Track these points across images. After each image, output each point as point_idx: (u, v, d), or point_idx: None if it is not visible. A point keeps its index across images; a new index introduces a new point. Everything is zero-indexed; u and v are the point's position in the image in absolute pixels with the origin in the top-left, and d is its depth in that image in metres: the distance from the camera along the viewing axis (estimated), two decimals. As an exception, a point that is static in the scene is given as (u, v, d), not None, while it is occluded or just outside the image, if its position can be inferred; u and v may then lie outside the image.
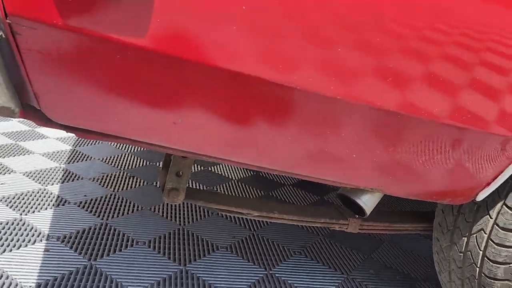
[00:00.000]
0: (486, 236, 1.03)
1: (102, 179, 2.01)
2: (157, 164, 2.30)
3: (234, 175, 2.30)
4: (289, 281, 1.45)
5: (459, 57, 0.75)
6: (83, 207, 1.71)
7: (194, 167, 2.32)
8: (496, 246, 1.01)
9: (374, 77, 0.72)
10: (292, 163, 0.85)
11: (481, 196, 0.96)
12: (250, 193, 2.10)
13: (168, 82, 0.67)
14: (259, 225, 1.80)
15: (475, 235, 1.06)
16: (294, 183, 2.31)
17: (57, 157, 2.19)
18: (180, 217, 1.76)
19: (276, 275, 1.47)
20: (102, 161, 2.23)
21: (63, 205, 1.70)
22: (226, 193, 2.05)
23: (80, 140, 2.50)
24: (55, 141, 2.43)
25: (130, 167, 2.21)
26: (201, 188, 2.07)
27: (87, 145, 2.44)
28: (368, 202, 0.97)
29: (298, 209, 1.24)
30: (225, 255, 1.54)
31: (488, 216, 1.03)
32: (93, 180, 1.98)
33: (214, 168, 2.35)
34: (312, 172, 0.88)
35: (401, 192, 0.95)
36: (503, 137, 0.85)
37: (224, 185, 2.15)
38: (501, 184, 1.00)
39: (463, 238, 1.09)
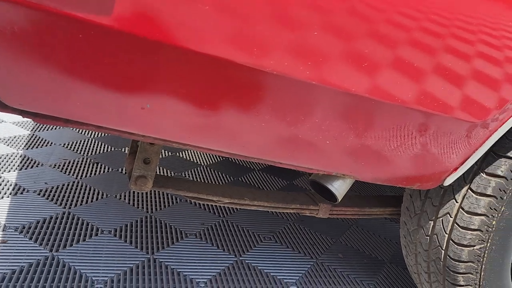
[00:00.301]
0: (451, 219, 1.06)
1: (63, 165, 1.93)
2: (122, 150, 2.23)
3: (202, 160, 2.26)
4: (259, 267, 1.45)
5: (427, 43, 0.74)
6: (43, 195, 1.64)
7: (161, 152, 2.27)
8: (461, 229, 1.04)
9: (345, 62, 0.71)
10: (265, 149, 0.83)
11: (448, 181, 0.98)
12: (219, 178, 2.08)
13: (134, 64, 0.63)
14: (228, 211, 1.79)
15: (441, 218, 1.08)
16: (263, 168, 2.31)
17: (15, 143, 2.08)
18: (147, 205, 1.71)
19: (246, 261, 1.47)
20: (63, 146, 2.14)
21: (21, 193, 1.61)
22: (195, 179, 2.02)
23: (40, 125, 2.39)
24: (12, 125, 2.30)
25: (93, 153, 2.13)
26: (169, 174, 2.03)
27: (47, 130, 2.33)
28: (339, 188, 0.97)
29: (269, 195, 1.23)
30: (194, 243, 1.52)
31: (454, 200, 1.05)
32: (53, 167, 1.89)
33: (182, 154, 2.31)
34: (284, 159, 0.87)
35: (372, 178, 0.95)
36: (470, 123, 0.86)
37: (192, 170, 2.11)
38: (467, 169, 1.02)
39: (430, 221, 1.11)
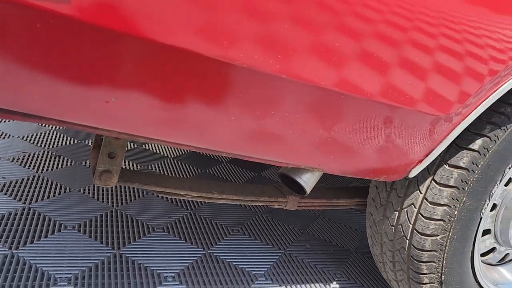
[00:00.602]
0: (416, 210, 1.08)
1: (23, 159, 1.85)
2: (86, 142, 2.16)
3: (169, 152, 2.23)
4: (227, 260, 1.44)
5: (392, 36, 0.75)
6: (1, 190, 1.56)
7: (128, 144, 2.21)
8: (424, 220, 1.07)
9: (313, 56, 0.71)
10: (233, 144, 0.82)
11: (413, 173, 1.00)
12: (187, 171, 2.05)
13: (97, 56, 0.61)
14: (196, 204, 1.77)
15: (406, 209, 1.11)
16: (231, 160, 2.30)
17: (-31, 136, 1.97)
18: (112, 199, 1.67)
19: (215, 254, 1.46)
20: (22, 139, 2.05)
21: (-23, 189, 1.54)
22: (162, 172, 1.98)
23: (-4, 116, 2.27)
24: (-35, 117, 2.18)
25: (55, 145, 2.05)
26: (135, 167, 1.98)
27: (4, 121, 2.22)
28: (308, 181, 0.97)
29: (238, 188, 1.22)
30: (161, 236, 1.49)
31: (418, 191, 1.08)
32: (12, 161, 1.81)
33: (148, 146, 2.26)
34: (253, 153, 0.86)
35: (340, 170, 0.96)
36: (434, 117, 0.88)
37: (159, 163, 2.07)
38: (431, 161, 1.05)
39: (395, 212, 1.14)
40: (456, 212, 1.05)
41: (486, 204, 1.08)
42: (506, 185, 1.19)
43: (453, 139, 0.95)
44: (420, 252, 1.09)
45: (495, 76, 0.88)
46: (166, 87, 0.67)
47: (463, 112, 0.90)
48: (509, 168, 1.08)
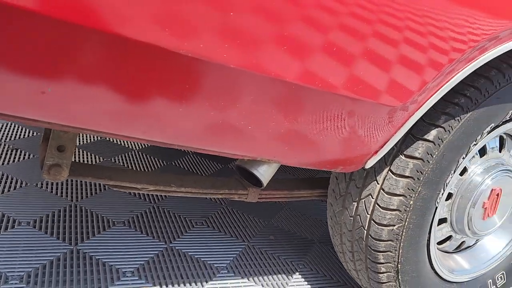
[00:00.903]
0: (373, 200, 1.09)
1: (-24, 153, 1.77)
2: (45, 135, 2.09)
3: (133, 145, 2.18)
4: (189, 253, 1.42)
5: (348, 26, 0.74)
6: (-48, 186, 1.50)
7: (90, 137, 2.15)
8: (381, 210, 1.08)
9: (269, 47, 0.69)
10: (185, 136, 0.80)
11: (370, 164, 1.01)
12: (152, 164, 2.01)
13: (32, 44, 0.57)
14: (160, 197, 1.74)
15: (363, 200, 1.12)
16: (197, 152, 2.27)
17: None
18: (72, 193, 1.62)
19: (176, 247, 1.44)
20: (-24, 132, 1.96)
21: None
22: (126, 164, 1.94)
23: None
24: None
25: (10, 138, 1.97)
26: (98, 160, 1.93)
27: (-43, 114, 2.12)
28: (265, 173, 0.97)
29: (197, 180, 1.20)
30: (122, 231, 1.46)
31: (375, 181, 1.09)
32: (-35, 155, 1.73)
33: (112, 138, 2.20)
34: (207, 145, 0.84)
35: (296, 162, 0.95)
36: (389, 107, 0.88)
37: (123, 155, 2.03)
38: (387, 152, 1.06)
39: (354, 203, 1.14)
40: (411, 202, 1.06)
41: (441, 194, 1.10)
42: (461, 174, 1.22)
43: (407, 129, 0.96)
44: (377, 242, 1.10)
45: (450, 64, 0.89)
46: (107, 77, 0.64)
47: (418, 100, 0.91)
48: (463, 158, 1.10)
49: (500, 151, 1.29)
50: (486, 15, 0.89)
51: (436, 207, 1.13)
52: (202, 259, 1.41)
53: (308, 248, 1.62)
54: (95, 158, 1.94)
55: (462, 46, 0.87)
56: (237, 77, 0.71)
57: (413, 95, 0.87)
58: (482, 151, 1.25)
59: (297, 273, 1.45)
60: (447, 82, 0.92)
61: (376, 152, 0.99)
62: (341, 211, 1.20)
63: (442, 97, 1.03)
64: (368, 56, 0.79)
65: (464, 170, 1.22)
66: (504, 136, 1.30)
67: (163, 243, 1.45)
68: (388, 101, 0.85)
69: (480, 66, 0.98)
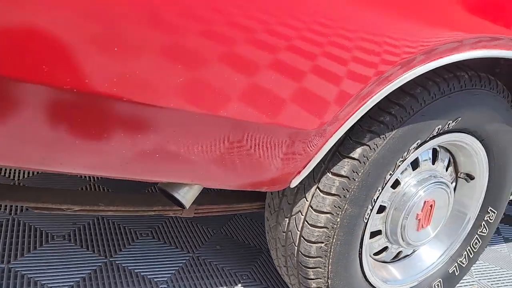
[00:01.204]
0: (302, 217, 1.10)
1: None
2: None
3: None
4: (129, 267, 1.41)
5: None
6: None
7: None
8: (310, 227, 1.08)
9: (166, 77, 0.68)
10: (94, 165, 0.78)
11: (294, 183, 1.00)
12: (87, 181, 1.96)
13: None
14: (106, 207, 1.70)
15: (294, 216, 1.12)
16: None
17: None
18: (11, 205, 1.57)
19: (117, 262, 1.42)
20: None
21: None
22: (55, 185, 1.83)
23: None
24: None
25: None
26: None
27: None
28: (186, 195, 0.95)
29: (129, 198, 1.18)
30: (60, 246, 1.43)
31: (304, 198, 1.09)
32: None
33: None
34: (117, 174, 0.82)
35: (217, 185, 0.95)
36: (304, 131, 0.87)
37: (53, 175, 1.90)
38: (315, 170, 1.06)
39: (286, 219, 1.14)
40: (338, 219, 1.07)
41: (369, 210, 1.11)
42: (394, 187, 1.23)
43: (327, 150, 0.96)
44: (307, 258, 1.11)
45: (365, 85, 0.88)
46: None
47: (334, 123, 0.91)
48: (390, 175, 1.11)
49: (433, 163, 1.30)
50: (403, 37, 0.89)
51: (366, 223, 1.15)
52: (142, 273, 1.39)
53: (255, 258, 1.62)
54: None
55: (368, 73, 0.87)
56: (140, 110, 0.69)
57: (327, 121, 0.87)
58: (416, 164, 1.27)
59: (240, 285, 1.45)
60: (361, 107, 0.92)
61: (300, 172, 0.98)
62: (275, 226, 1.20)
63: (368, 115, 1.04)
64: (279, 83, 0.78)
65: (397, 183, 1.24)
66: (438, 149, 1.31)
67: (103, 257, 1.42)
68: (302, 125, 0.85)
69: (406, 83, 0.98)
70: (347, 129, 0.94)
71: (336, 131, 0.93)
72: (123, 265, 1.41)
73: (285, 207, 1.14)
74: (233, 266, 1.54)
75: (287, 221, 1.14)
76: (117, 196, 1.16)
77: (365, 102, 0.92)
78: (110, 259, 1.42)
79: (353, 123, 0.93)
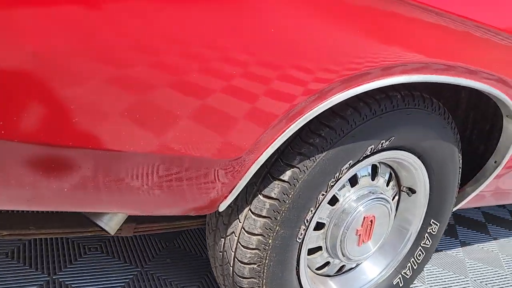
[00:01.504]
0: (236, 238, 1.10)
1: None
2: None
3: None
4: (73, 285, 1.39)
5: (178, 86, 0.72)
6: None
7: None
8: (243, 248, 1.08)
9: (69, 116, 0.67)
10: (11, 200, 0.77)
11: (222, 207, 1.00)
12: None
13: None
14: (55, 221, 1.68)
15: (229, 237, 1.12)
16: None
17: None
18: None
19: (60, 279, 1.40)
20: None
21: None
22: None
23: None
24: None
25: None
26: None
27: None
28: (109, 222, 0.94)
29: (63, 219, 1.16)
30: (2, 264, 1.40)
31: (238, 220, 1.09)
32: None
33: None
34: (35, 207, 0.81)
35: (142, 212, 0.94)
36: (226, 160, 0.87)
37: None
38: (248, 191, 1.06)
39: (222, 239, 1.14)
40: (270, 241, 1.07)
41: (302, 230, 1.12)
42: (333, 204, 1.24)
43: (252, 174, 0.96)
44: (241, 279, 1.11)
45: (286, 113, 0.88)
46: None
47: (254, 152, 0.91)
48: (323, 195, 1.12)
49: (373, 179, 1.32)
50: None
51: (301, 242, 1.15)
52: (85, 291, 1.38)
53: (205, 270, 1.62)
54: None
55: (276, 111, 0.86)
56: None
57: (245, 149, 0.86)
58: (355, 180, 1.27)
59: (186, 300, 1.45)
60: (282, 133, 0.92)
61: (226, 197, 0.98)
62: (213, 245, 1.20)
63: (299, 137, 1.04)
64: (186, 112, 0.77)
65: (335, 200, 1.24)
66: (378, 165, 1.33)
67: (46, 275, 1.40)
68: (218, 155, 0.84)
69: (336, 104, 0.98)
70: (268, 155, 0.93)
71: (258, 158, 0.93)
72: (66, 282, 1.39)
73: (221, 227, 1.14)
74: (182, 280, 1.53)
75: (223, 241, 1.14)
76: (50, 218, 1.14)
77: (283, 132, 0.92)
78: (54, 277, 1.40)
79: (272, 151, 0.93)
